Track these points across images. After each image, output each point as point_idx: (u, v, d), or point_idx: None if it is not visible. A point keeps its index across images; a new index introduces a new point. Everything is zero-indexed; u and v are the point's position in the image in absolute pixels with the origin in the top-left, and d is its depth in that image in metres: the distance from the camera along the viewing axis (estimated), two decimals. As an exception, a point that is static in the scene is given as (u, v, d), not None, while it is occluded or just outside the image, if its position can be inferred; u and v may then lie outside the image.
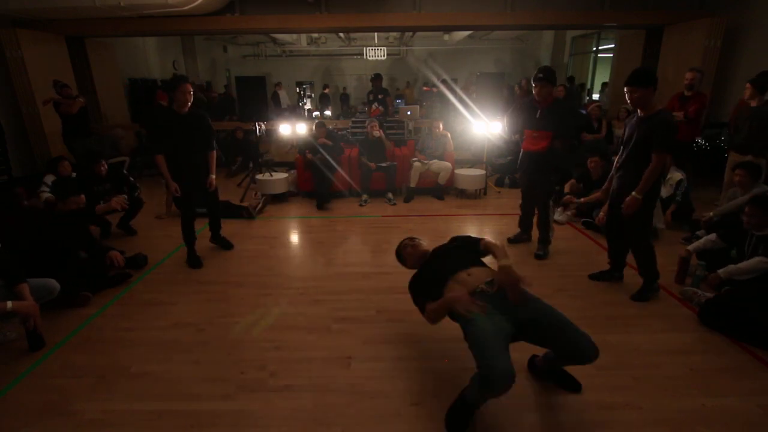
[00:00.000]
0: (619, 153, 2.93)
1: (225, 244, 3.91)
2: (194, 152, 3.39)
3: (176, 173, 3.34)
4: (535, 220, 3.83)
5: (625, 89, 2.66)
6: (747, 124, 4.17)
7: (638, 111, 2.73)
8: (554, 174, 3.65)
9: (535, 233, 3.87)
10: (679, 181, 4.20)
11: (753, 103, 4.13)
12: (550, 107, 3.39)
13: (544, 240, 3.68)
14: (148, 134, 3.34)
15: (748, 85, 4.14)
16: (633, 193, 2.69)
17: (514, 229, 4.06)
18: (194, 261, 3.58)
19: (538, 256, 3.64)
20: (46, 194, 3.92)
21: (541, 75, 3.29)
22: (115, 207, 3.76)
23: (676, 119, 4.09)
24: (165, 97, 5.79)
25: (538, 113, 3.41)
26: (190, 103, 3.28)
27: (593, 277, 3.25)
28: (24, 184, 4.97)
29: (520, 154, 3.70)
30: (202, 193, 3.57)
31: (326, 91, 12.12)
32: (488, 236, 2.34)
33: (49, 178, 4.04)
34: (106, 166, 4.13)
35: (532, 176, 3.63)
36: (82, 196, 3.68)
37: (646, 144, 2.64)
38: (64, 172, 4.06)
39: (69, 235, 3.09)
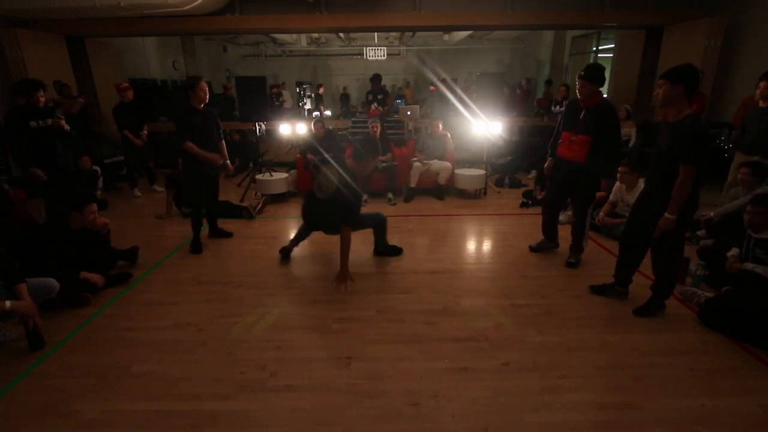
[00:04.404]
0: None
1: (223, 234, 4.14)
2: (208, 146, 3.66)
3: (193, 167, 3.66)
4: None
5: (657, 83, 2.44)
6: (756, 125, 4.05)
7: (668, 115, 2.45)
8: (593, 188, 3.33)
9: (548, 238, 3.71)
10: None
11: (761, 104, 4.00)
12: (594, 108, 3.08)
13: (578, 247, 3.46)
14: (176, 127, 3.58)
15: (762, 83, 3.91)
16: (666, 213, 2.42)
17: (514, 229, 4.05)
18: (197, 247, 3.85)
19: (569, 264, 3.44)
20: None
21: (582, 72, 3.05)
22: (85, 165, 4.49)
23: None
24: (126, 89, 5.75)
25: (582, 114, 3.13)
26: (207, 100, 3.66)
27: (595, 290, 3.02)
28: (24, 184, 4.96)
29: (548, 160, 3.46)
30: (208, 186, 3.90)
31: (320, 91, 12.12)
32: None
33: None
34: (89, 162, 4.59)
35: (562, 188, 3.36)
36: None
37: (670, 153, 2.39)
38: (84, 165, 4.14)
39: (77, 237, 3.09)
